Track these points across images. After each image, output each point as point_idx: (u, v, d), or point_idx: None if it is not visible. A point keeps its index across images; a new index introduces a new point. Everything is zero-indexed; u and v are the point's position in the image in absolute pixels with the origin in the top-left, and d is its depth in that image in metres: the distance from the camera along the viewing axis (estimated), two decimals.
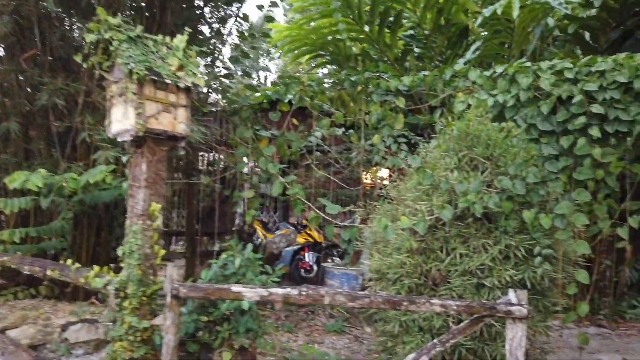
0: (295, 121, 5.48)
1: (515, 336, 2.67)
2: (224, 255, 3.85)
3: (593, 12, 7.08)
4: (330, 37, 8.85)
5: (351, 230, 3.85)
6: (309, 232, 8.68)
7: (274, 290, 2.48)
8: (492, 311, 2.62)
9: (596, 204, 3.09)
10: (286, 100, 5.50)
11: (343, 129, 6.63)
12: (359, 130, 5.09)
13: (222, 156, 6.00)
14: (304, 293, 2.43)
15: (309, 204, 4.27)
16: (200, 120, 5.93)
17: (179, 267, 7.10)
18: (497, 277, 3.70)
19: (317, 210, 4.12)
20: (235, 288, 2.53)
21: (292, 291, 2.45)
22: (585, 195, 3.04)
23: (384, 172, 7.21)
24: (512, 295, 2.77)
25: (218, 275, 3.74)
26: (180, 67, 3.41)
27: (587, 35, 7.41)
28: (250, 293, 2.48)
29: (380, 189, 5.56)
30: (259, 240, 8.56)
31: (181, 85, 3.37)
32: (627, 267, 6.60)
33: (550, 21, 6.94)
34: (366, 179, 8.04)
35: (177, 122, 3.37)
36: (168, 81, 3.31)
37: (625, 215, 3.13)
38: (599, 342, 6.11)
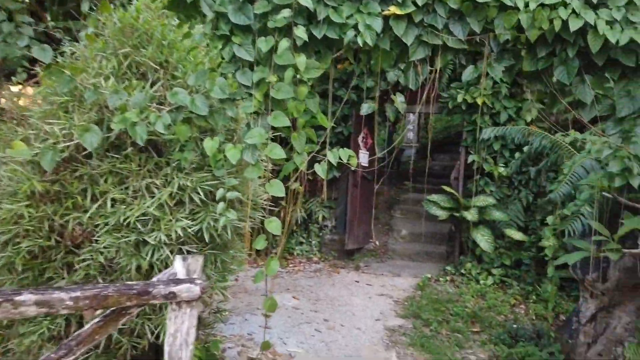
0: None
1: (180, 329, 1.67)
2: None
3: None
4: None
5: None
6: None
7: None
8: (142, 299, 1.53)
9: (295, 132, 2.36)
10: None
11: None
12: None
13: None
14: None
15: None
16: None
17: None
18: (166, 231, 2.69)
19: None
20: None
21: None
22: (283, 120, 2.27)
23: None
24: (178, 265, 1.75)
25: None
26: None
27: None
28: None
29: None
30: None
31: None
32: (299, 207, 6.75)
33: None
34: None
35: None
36: None
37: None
38: (272, 281, 6.08)
